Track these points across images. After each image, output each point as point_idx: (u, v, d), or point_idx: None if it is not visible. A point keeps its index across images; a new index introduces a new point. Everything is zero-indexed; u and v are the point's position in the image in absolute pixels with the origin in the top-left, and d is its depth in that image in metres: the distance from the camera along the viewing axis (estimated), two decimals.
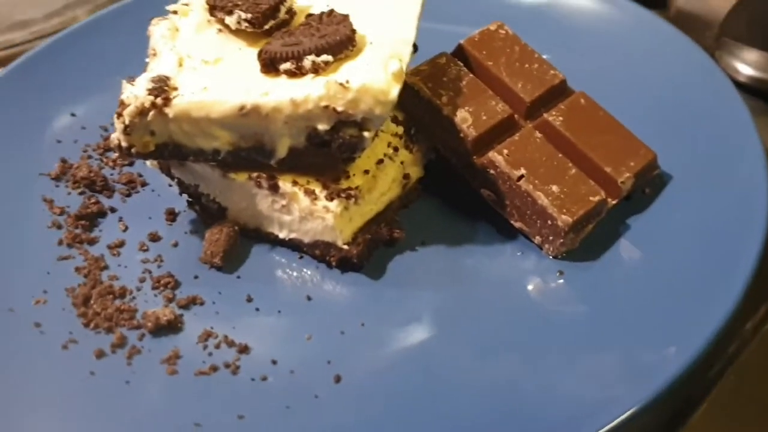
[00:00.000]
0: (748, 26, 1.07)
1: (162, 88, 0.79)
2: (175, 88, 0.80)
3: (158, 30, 0.87)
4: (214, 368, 0.75)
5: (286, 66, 0.79)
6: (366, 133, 0.78)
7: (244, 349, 0.76)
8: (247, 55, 0.82)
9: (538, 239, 0.81)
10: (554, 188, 0.80)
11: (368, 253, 0.83)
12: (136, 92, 0.79)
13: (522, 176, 0.80)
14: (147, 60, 0.85)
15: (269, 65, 0.80)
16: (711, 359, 0.76)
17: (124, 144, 0.81)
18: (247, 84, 0.79)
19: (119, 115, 0.80)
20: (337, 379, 0.73)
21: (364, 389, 0.72)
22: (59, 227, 0.88)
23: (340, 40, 0.79)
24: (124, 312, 0.80)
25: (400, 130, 0.86)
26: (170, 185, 0.89)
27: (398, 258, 0.83)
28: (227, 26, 0.85)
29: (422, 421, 0.70)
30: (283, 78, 0.79)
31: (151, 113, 0.79)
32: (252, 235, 0.86)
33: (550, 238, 0.80)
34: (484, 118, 0.83)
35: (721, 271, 0.75)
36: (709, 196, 0.82)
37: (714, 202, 0.81)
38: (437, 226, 0.86)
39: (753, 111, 0.88)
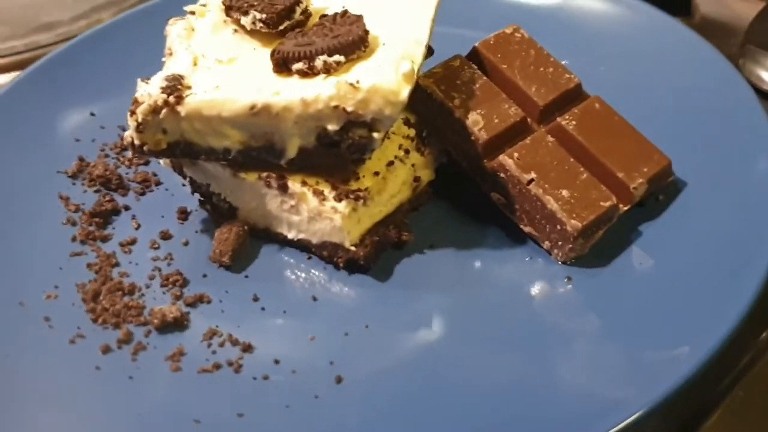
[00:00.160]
0: None
1: (175, 86, 0.80)
2: (189, 87, 0.80)
3: (175, 30, 0.88)
4: (217, 366, 0.75)
5: (298, 66, 0.79)
6: (375, 134, 0.78)
7: (247, 348, 0.76)
8: (262, 55, 0.83)
9: (547, 244, 0.80)
10: (564, 193, 0.79)
11: (376, 255, 0.82)
12: (149, 90, 0.80)
13: (532, 180, 0.79)
14: (163, 59, 0.86)
15: (282, 65, 0.80)
16: (722, 368, 0.75)
17: (136, 141, 0.82)
18: (260, 83, 0.79)
19: (132, 112, 0.80)
20: (338, 380, 0.73)
21: (365, 391, 0.72)
22: (74, 224, 0.89)
23: (352, 41, 0.79)
24: (131, 308, 0.80)
25: (412, 132, 0.86)
26: (183, 184, 0.90)
27: (406, 260, 0.83)
28: (243, 27, 0.86)
29: (423, 423, 0.69)
30: (296, 78, 0.79)
31: (164, 111, 0.79)
32: (261, 235, 0.86)
33: (559, 243, 0.79)
34: (496, 121, 0.82)
35: (732, 280, 0.74)
36: (723, 205, 0.80)
37: (728, 211, 0.80)
38: (446, 229, 0.85)
39: None
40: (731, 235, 0.78)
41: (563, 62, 0.94)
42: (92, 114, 1.02)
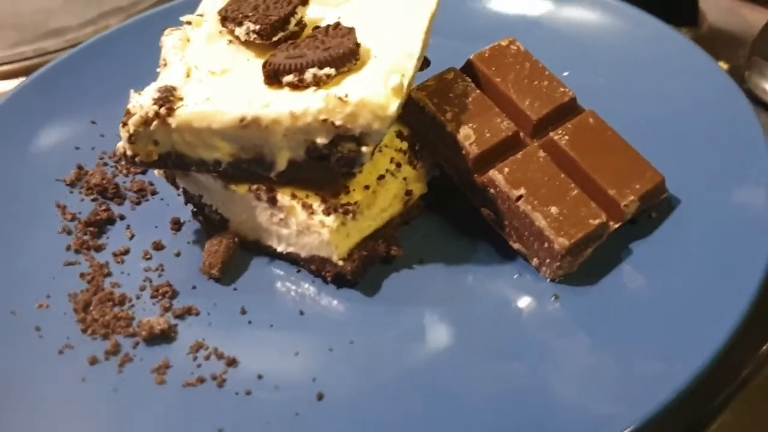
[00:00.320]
0: None
1: (167, 98, 0.80)
2: (181, 99, 0.80)
3: (170, 40, 0.88)
4: (201, 380, 0.75)
5: (289, 78, 0.79)
6: (364, 148, 0.77)
7: (232, 362, 0.76)
8: (255, 66, 0.83)
9: (535, 261, 0.80)
10: (553, 210, 0.78)
11: (363, 270, 0.82)
12: (141, 102, 0.81)
13: (521, 196, 0.79)
14: (158, 70, 0.87)
15: (272, 77, 0.80)
16: (718, 382, 0.75)
17: (128, 152, 0.82)
18: (250, 96, 0.79)
19: (124, 124, 0.81)
20: (320, 397, 0.72)
21: (346, 409, 0.71)
22: (69, 233, 0.90)
23: (343, 53, 0.79)
24: (121, 319, 0.81)
25: (404, 145, 0.85)
26: (178, 194, 0.90)
27: (395, 276, 0.82)
28: (237, 38, 0.85)
29: None
30: (286, 90, 0.79)
31: (155, 123, 0.80)
32: (252, 248, 0.86)
33: (547, 260, 0.78)
34: (488, 135, 0.82)
35: (723, 298, 0.73)
36: (716, 223, 0.79)
37: (721, 229, 0.79)
38: (437, 244, 0.84)
39: None
40: (723, 253, 0.77)
41: (564, 74, 0.94)
42: (93, 122, 1.02)
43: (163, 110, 0.79)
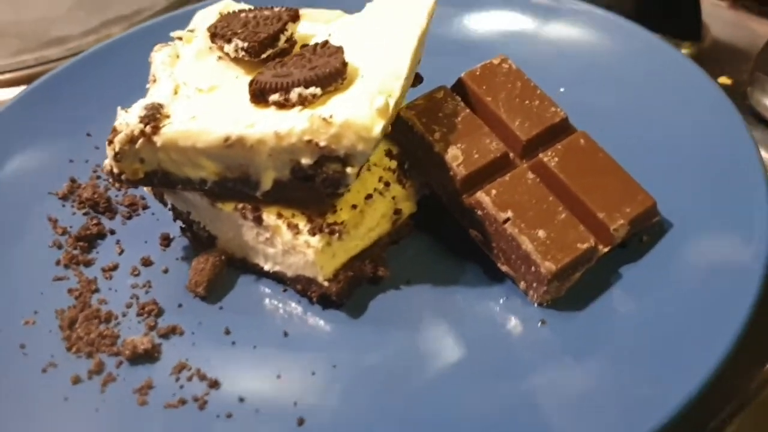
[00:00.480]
0: None
1: (154, 116, 0.80)
2: (167, 116, 0.80)
3: (159, 56, 0.88)
4: (183, 401, 0.75)
5: (275, 97, 0.78)
6: (349, 169, 0.77)
7: (214, 384, 0.76)
8: (243, 84, 0.82)
9: (522, 285, 0.79)
10: (540, 233, 0.77)
11: (349, 291, 0.81)
12: (128, 119, 0.80)
13: (508, 219, 0.78)
14: (147, 86, 0.86)
15: (259, 96, 0.79)
16: (716, 402, 0.74)
17: (115, 170, 0.82)
18: (236, 114, 0.79)
19: (110, 141, 0.80)
20: (300, 422, 0.72)
21: None
22: (60, 247, 0.90)
23: (329, 73, 0.78)
24: (106, 338, 0.80)
25: (394, 164, 0.84)
26: (169, 209, 0.90)
27: (381, 297, 0.82)
28: (227, 54, 0.85)
29: None
30: (272, 109, 0.79)
31: (140, 141, 0.79)
32: (239, 265, 0.86)
33: (534, 284, 0.77)
34: (476, 156, 0.81)
35: (713, 325, 0.72)
36: (708, 248, 0.78)
37: (712, 254, 0.77)
38: (425, 265, 0.83)
39: None
40: (714, 278, 0.75)
41: (560, 89, 0.93)
42: (89, 134, 1.02)
43: (148, 128, 0.79)
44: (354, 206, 0.81)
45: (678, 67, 0.93)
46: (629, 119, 0.91)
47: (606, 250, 0.79)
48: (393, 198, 0.84)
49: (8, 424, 0.74)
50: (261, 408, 0.73)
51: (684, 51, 1.09)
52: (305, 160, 0.77)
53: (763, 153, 0.85)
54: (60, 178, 0.97)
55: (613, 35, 0.99)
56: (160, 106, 0.81)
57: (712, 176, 0.83)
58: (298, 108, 0.78)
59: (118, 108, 0.82)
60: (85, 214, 0.94)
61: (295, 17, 0.86)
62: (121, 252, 0.89)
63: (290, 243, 0.79)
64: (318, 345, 0.79)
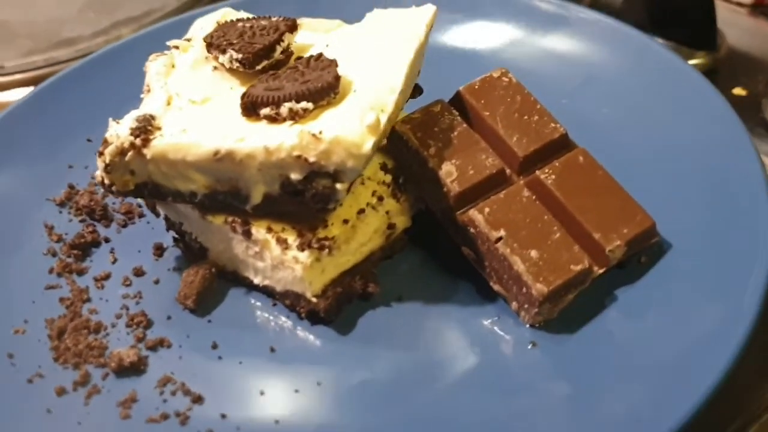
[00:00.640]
0: None
1: (145, 128, 0.79)
2: (159, 128, 0.79)
3: (154, 66, 0.87)
4: (165, 416, 0.74)
5: (266, 111, 0.77)
6: (339, 185, 0.75)
7: (197, 399, 0.75)
8: (237, 95, 0.81)
9: (514, 305, 0.77)
10: (533, 253, 0.75)
11: (338, 308, 0.80)
12: (118, 131, 0.79)
13: (500, 238, 0.76)
14: (141, 96, 0.86)
15: (250, 109, 0.78)
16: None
17: (106, 181, 0.81)
18: (227, 128, 0.78)
19: (101, 153, 0.80)
20: None
21: None
22: (54, 255, 0.89)
23: (321, 87, 0.76)
24: (94, 349, 0.80)
25: (388, 178, 0.83)
26: (162, 219, 0.89)
27: (371, 313, 0.80)
28: (222, 64, 0.84)
29: None
30: (263, 123, 0.78)
31: (130, 153, 0.78)
32: (230, 278, 0.85)
33: (526, 305, 0.75)
34: (471, 172, 0.79)
35: (711, 351, 0.70)
36: (708, 270, 0.75)
37: (712, 276, 0.75)
38: (417, 281, 0.82)
39: None
40: (712, 301, 0.73)
41: (562, 101, 0.90)
42: (89, 140, 1.02)
43: (138, 141, 0.78)
44: (346, 221, 0.80)
45: (685, 80, 0.91)
46: (632, 133, 0.89)
47: (601, 271, 0.76)
48: (387, 212, 0.83)
49: None
50: (242, 426, 0.72)
51: (698, 61, 1.07)
52: (295, 176, 0.76)
53: None
54: (59, 184, 0.97)
55: (619, 45, 0.96)
56: (152, 117, 0.80)
57: (715, 195, 0.81)
58: (288, 122, 0.76)
59: (110, 119, 0.81)
60: (81, 221, 0.93)
61: (292, 27, 0.84)
62: (115, 261, 0.89)
63: (279, 258, 0.78)
64: (303, 362, 0.77)
